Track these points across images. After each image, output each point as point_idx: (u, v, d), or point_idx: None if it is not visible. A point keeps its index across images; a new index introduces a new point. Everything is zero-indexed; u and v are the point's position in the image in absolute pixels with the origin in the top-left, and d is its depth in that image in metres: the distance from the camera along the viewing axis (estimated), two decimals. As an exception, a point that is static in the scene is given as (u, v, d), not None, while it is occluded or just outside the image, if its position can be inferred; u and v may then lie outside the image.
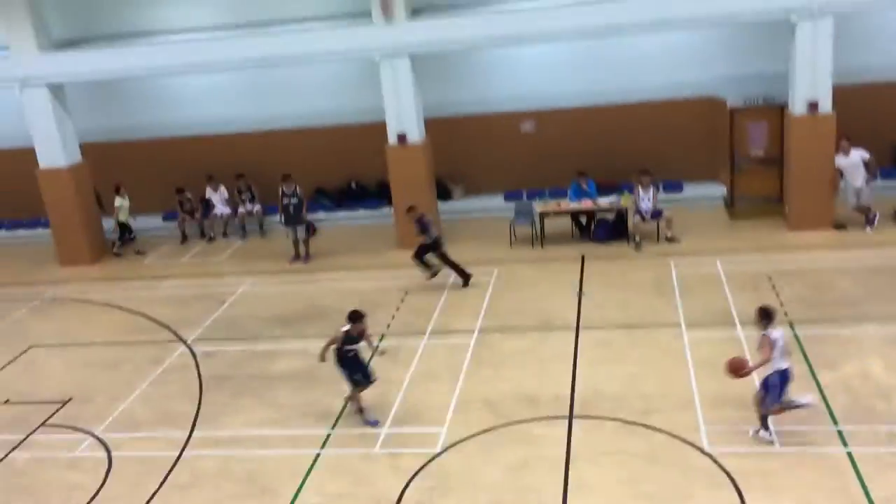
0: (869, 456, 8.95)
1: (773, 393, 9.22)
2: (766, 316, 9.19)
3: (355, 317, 10.46)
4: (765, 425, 9.45)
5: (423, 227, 15.10)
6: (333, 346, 10.53)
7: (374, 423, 10.61)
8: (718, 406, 10.20)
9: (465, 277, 15.10)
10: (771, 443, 9.36)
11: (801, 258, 14.70)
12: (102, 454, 10.67)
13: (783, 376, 9.17)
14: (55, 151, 18.01)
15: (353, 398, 10.76)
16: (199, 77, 19.55)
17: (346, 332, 10.46)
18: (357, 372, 10.62)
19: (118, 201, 18.69)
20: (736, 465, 9.02)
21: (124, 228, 18.93)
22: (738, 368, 9.31)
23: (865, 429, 9.43)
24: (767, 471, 8.91)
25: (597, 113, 18.58)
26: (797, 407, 9.39)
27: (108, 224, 19.45)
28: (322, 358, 10.60)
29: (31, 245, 20.18)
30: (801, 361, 11.07)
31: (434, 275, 15.17)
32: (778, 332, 9.19)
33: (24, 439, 11.17)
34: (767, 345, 9.09)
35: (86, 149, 18.83)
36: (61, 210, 18.34)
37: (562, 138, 18.83)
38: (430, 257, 15.22)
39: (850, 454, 9.02)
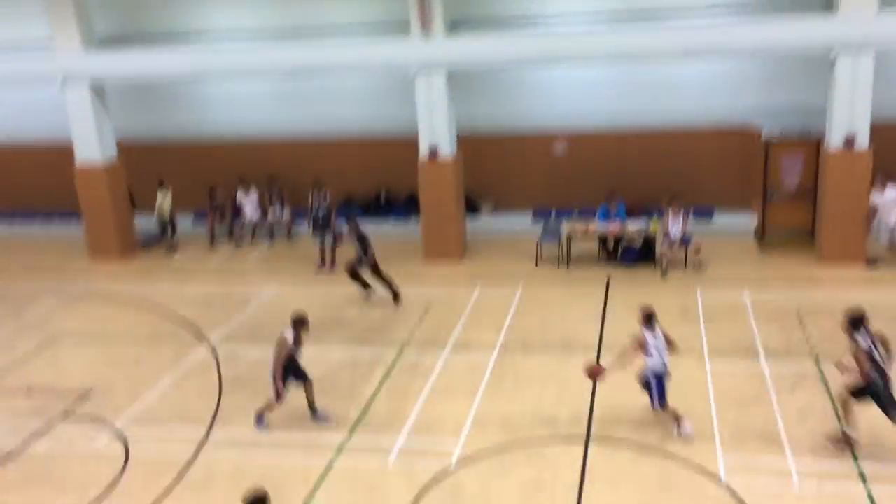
0: (886, 494, 8.78)
1: (655, 391, 10.06)
2: (646, 318, 10.16)
3: (301, 322, 10.72)
4: (678, 423, 10.12)
5: (360, 239, 15.11)
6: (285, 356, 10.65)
7: (265, 429, 10.86)
8: (738, 437, 10.09)
9: (395, 295, 15.07)
10: (692, 437, 10.00)
11: (831, 293, 14.50)
12: (120, 448, 10.77)
13: (656, 374, 10.01)
14: (92, 148, 18.30)
15: (272, 406, 10.84)
16: (237, 82, 19.84)
17: (295, 340, 10.70)
18: (298, 374, 10.87)
19: (161, 198, 19.14)
20: (752, 497, 8.89)
21: (165, 223, 19.33)
22: (594, 373, 10.59)
23: (886, 468, 9.26)
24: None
25: (630, 137, 18.57)
26: (678, 425, 10.19)
27: (142, 222, 19.74)
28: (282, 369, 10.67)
29: (63, 239, 20.49)
30: (824, 397, 10.93)
31: (368, 293, 15.22)
32: (652, 334, 10.05)
33: (44, 429, 11.30)
34: (638, 344, 10.05)
35: (121, 147, 19.12)
36: (95, 206, 18.62)
37: (594, 160, 18.82)
38: (363, 272, 15.22)
39: (869, 494, 8.86)
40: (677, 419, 10.18)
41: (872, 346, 9.39)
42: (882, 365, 9.34)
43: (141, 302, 16.04)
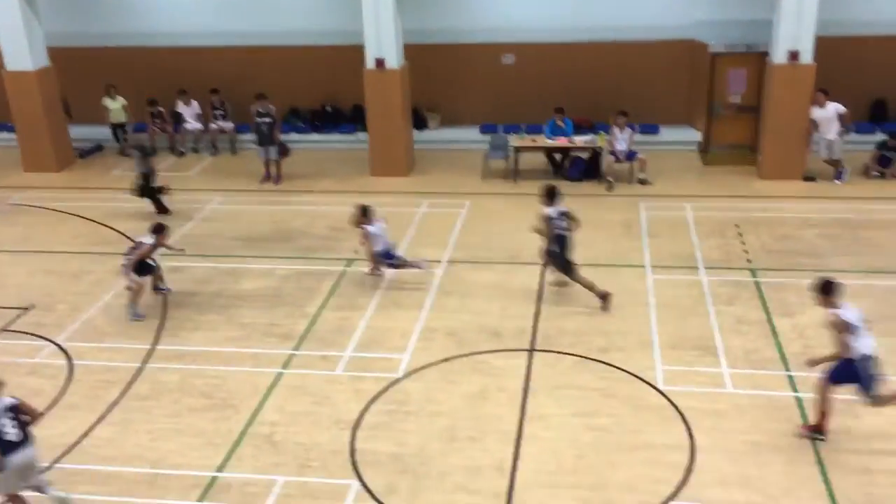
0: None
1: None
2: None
3: (160, 229, 11.85)
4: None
5: (143, 153, 15.38)
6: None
7: (141, 317, 11.58)
8: (676, 347, 10.43)
9: (164, 210, 15.35)
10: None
11: (770, 207, 14.86)
12: (63, 362, 10.68)
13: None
14: (22, 54, 17.47)
15: (138, 293, 11.64)
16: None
17: (154, 244, 11.73)
18: (150, 272, 11.96)
19: (108, 102, 18.77)
20: (688, 403, 9.26)
21: (118, 129, 19.10)
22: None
23: (815, 376, 9.69)
24: (718, 411, 9.16)
25: (578, 49, 18.39)
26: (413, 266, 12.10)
27: (76, 132, 19.13)
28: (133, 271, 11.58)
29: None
30: (759, 308, 11.31)
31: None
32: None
33: (-16, 344, 11.14)
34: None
35: (54, 54, 18.31)
36: (27, 114, 17.90)
37: (541, 74, 18.66)
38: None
39: (798, 399, 9.29)
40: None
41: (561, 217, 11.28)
42: (564, 233, 11.31)
43: (79, 214, 15.65)
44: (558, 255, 11.48)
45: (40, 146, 18.08)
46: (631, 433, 8.88)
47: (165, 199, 15.55)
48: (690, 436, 8.77)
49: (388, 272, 12.49)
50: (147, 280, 11.94)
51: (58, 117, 18.40)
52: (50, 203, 16.26)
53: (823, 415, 8.54)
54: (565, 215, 11.40)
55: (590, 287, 11.45)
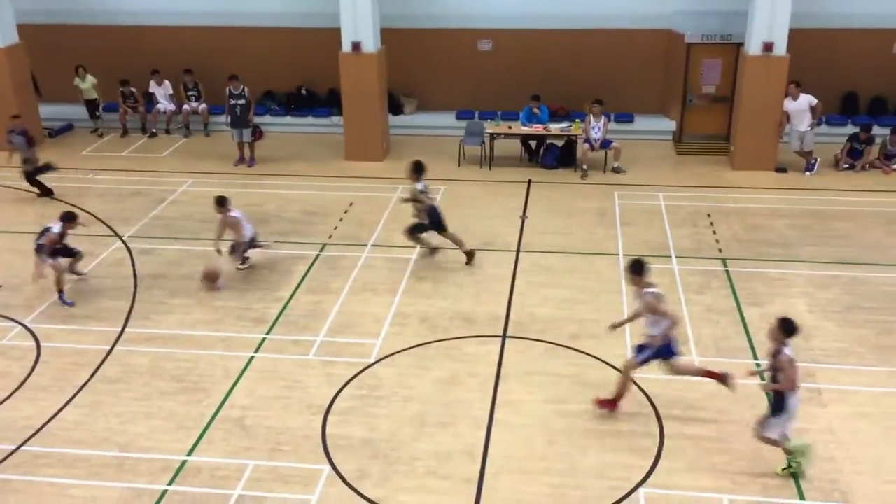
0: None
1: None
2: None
3: (70, 217, 11.69)
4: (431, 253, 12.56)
5: (28, 142, 15.39)
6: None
7: (71, 304, 11.47)
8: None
9: (47, 193, 15.30)
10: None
11: (741, 197, 14.99)
12: (31, 343, 10.55)
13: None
14: (-10, 30, 17.17)
15: (60, 279, 11.54)
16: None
17: (61, 232, 11.55)
18: (69, 255, 11.91)
19: (79, 83, 18.64)
20: (658, 391, 9.35)
21: (91, 106, 19.03)
22: (211, 277, 11.76)
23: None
24: (688, 399, 9.26)
25: (555, 36, 18.35)
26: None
27: (46, 110, 18.83)
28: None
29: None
30: (729, 297, 11.43)
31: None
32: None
33: (-50, 325, 10.96)
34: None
35: (23, 30, 17.97)
36: (-5, 93, 17.59)
37: (518, 61, 18.61)
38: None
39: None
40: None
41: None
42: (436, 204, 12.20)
43: (49, 194, 15.43)
44: (434, 223, 12.26)
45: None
46: (601, 420, 8.95)
47: (46, 180, 15.47)
48: (660, 423, 8.87)
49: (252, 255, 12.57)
50: (64, 263, 11.75)
51: (28, 94, 18.09)
52: (18, 182, 15.99)
53: (621, 393, 8.96)
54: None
55: (459, 244, 12.39)
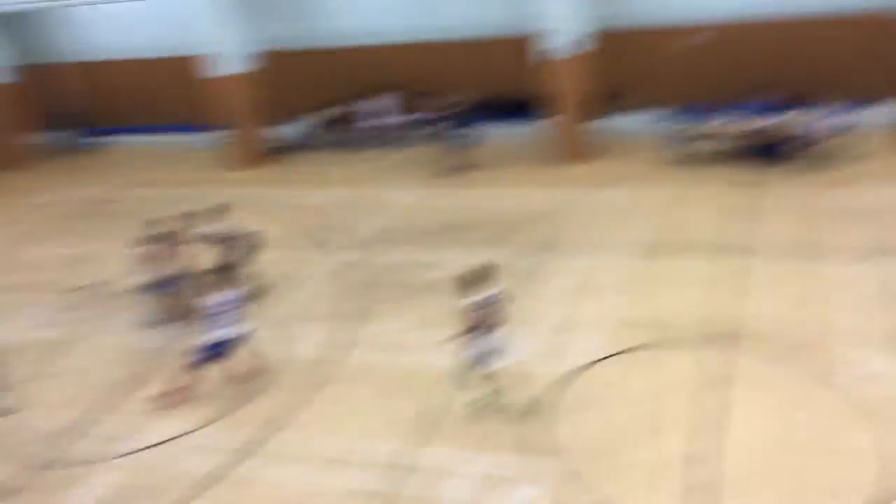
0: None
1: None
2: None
3: None
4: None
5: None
6: None
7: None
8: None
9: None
10: None
11: None
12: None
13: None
14: (230, 59, 18.85)
15: None
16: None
17: None
18: None
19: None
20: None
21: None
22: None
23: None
24: None
25: (781, 28, 17.08)
26: None
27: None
28: None
29: (192, 147, 21.04)
30: None
31: None
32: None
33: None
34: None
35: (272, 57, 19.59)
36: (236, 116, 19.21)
37: (739, 54, 17.41)
38: None
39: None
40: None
41: None
42: None
43: (278, 207, 16.46)
44: None
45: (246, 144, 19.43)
46: (825, 431, 8.28)
47: None
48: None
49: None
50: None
51: (261, 117, 19.59)
52: (255, 195, 17.07)
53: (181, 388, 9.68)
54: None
55: None
